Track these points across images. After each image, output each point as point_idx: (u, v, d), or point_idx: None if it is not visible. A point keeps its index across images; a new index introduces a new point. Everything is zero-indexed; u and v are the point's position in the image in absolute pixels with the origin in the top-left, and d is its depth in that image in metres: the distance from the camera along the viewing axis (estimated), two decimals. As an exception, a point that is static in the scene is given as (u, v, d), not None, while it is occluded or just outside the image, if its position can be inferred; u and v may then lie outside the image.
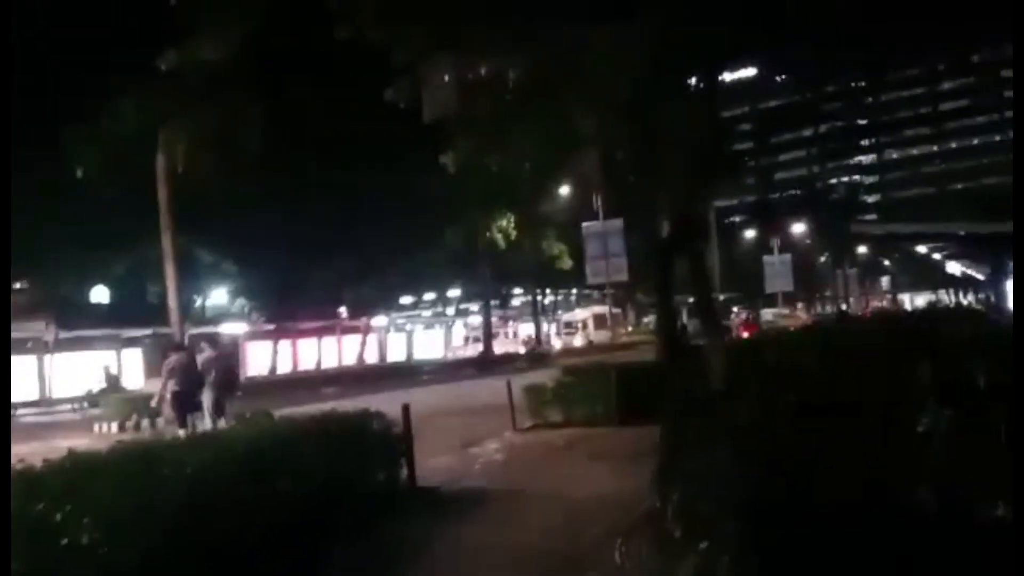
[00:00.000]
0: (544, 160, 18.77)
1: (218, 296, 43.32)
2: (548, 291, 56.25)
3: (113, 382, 22.83)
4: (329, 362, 35.19)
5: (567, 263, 37.55)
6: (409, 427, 7.60)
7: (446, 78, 17.07)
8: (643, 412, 10.48)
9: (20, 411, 22.06)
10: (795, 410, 3.39)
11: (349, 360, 36.11)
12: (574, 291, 59.80)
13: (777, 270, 49.70)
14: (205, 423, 12.06)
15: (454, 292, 62.99)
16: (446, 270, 44.99)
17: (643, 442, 8.50)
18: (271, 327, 35.70)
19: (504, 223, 35.33)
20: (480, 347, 41.03)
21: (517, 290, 55.72)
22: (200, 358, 12.81)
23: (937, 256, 57.25)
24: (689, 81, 18.06)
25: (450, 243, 36.62)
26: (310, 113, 29.07)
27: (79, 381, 23.51)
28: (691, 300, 28.93)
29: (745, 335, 32.48)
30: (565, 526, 5.98)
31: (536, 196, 33.95)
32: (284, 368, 32.87)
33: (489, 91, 16.59)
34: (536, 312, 48.60)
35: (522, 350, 40.20)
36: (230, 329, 33.98)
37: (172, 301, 23.44)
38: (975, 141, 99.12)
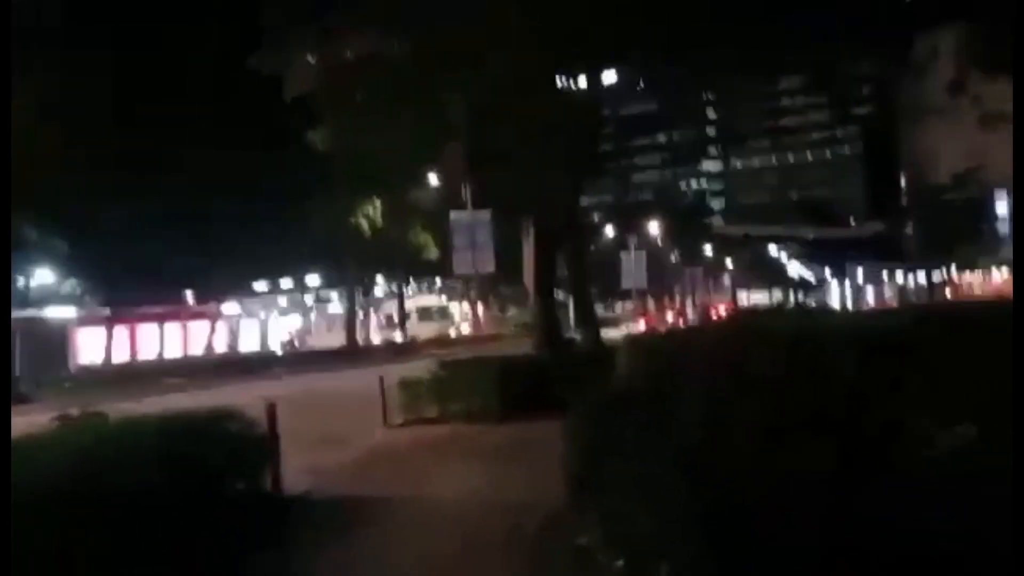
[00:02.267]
0: (413, 146, 18.11)
1: (44, 276, 38.96)
2: (412, 280, 55.17)
3: None
4: (173, 351, 32.52)
5: (433, 253, 36.80)
6: (275, 428, 6.75)
7: (315, 52, 15.99)
8: (524, 408, 10.15)
9: None
10: (756, 421, 3.01)
11: (196, 349, 33.56)
12: (438, 281, 59.09)
13: (632, 266, 51.50)
14: None
15: (313, 279, 60.58)
16: (306, 256, 42.90)
17: (528, 441, 8.13)
18: (106, 311, 32.60)
19: (370, 210, 34.15)
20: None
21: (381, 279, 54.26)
22: None
23: (785, 259, 62.40)
24: (570, 79, 17.95)
25: (312, 228, 34.92)
26: (161, 76, 26.57)
27: None
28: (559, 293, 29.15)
29: (648, 326, 32.31)
30: (455, 537, 5.42)
31: (404, 183, 32.97)
32: (121, 357, 29.99)
33: (361, 69, 15.71)
34: (401, 302, 47.57)
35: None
36: (57, 312, 30.66)
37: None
38: (808, 157, 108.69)
